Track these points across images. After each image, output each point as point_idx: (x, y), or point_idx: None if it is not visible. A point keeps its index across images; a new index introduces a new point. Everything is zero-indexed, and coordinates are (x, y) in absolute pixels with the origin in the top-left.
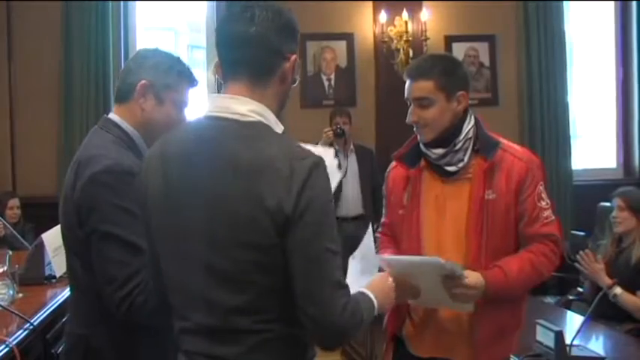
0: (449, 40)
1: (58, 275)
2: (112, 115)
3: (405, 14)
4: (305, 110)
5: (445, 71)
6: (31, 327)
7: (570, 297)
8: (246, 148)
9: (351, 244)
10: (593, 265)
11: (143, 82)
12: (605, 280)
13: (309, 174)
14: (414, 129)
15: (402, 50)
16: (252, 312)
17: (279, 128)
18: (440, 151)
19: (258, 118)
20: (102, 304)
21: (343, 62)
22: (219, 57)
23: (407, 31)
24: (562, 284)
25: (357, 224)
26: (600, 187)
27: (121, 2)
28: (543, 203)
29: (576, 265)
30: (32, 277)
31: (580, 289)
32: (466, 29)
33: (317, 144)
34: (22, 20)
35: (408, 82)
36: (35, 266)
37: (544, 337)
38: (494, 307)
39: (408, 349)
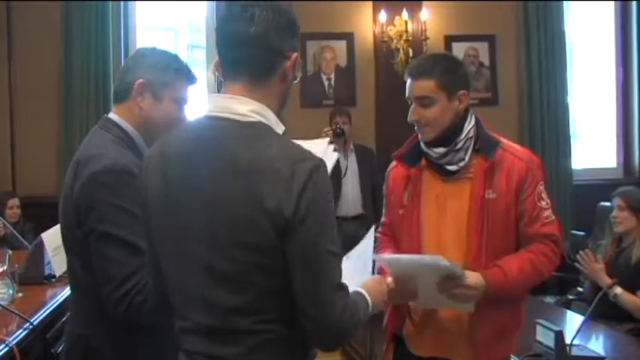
0: (449, 40)
1: (57, 275)
2: (112, 115)
3: (404, 14)
4: (305, 110)
5: (446, 70)
6: (31, 326)
7: (570, 297)
8: (246, 148)
9: (351, 244)
10: (593, 265)
11: (140, 80)
12: (605, 280)
13: (310, 176)
14: (415, 128)
15: (401, 50)
16: (252, 312)
17: (280, 128)
18: (441, 150)
19: (258, 118)
20: (102, 304)
21: (343, 62)
22: (219, 56)
23: (407, 31)
24: (562, 284)
25: (356, 224)
26: (600, 187)
27: (121, 2)
28: (543, 203)
29: (576, 264)
30: (32, 277)
31: (580, 289)
32: (466, 29)
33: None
34: (22, 20)
35: (409, 81)
36: (35, 266)
37: (544, 336)
38: (495, 307)
39: (408, 349)
